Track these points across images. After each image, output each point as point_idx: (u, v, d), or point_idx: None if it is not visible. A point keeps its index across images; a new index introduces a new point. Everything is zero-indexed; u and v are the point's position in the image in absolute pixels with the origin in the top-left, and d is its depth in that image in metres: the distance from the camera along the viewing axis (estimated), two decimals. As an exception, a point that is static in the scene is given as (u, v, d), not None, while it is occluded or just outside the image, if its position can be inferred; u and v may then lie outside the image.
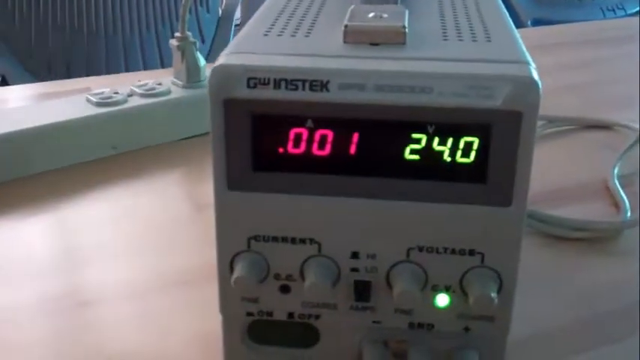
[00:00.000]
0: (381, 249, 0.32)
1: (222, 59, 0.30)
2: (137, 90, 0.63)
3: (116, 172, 0.58)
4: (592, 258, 0.46)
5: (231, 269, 0.32)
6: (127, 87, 0.64)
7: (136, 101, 0.62)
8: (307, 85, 0.29)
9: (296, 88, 0.29)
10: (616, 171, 0.56)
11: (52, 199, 0.54)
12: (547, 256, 0.47)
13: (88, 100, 0.62)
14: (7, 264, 0.46)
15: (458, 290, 0.32)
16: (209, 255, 0.42)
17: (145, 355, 0.37)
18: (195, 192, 0.56)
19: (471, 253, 0.31)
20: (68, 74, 1.49)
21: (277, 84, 0.30)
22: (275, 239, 0.32)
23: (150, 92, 0.63)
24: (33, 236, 0.49)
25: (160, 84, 0.65)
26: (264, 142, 0.31)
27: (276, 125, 0.30)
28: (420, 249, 0.31)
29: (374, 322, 0.33)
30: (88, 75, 1.20)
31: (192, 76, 0.64)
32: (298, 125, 0.30)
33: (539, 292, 0.43)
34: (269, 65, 0.30)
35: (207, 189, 0.56)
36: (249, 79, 0.30)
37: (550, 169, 0.57)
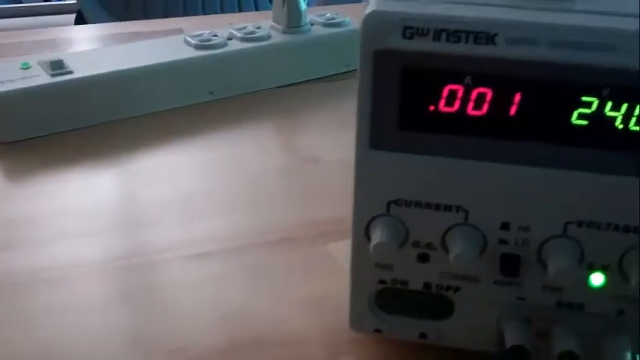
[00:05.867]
0: (535, 221, 0.29)
1: (375, 4, 0.27)
2: (236, 33, 0.61)
3: (212, 119, 0.56)
4: None
5: (367, 233, 0.30)
6: (225, 30, 0.62)
7: (235, 45, 0.60)
8: (472, 37, 0.26)
9: (458, 41, 0.27)
10: None
11: (150, 142, 0.52)
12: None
13: (186, 42, 0.60)
14: (113, 204, 0.45)
15: (616, 270, 0.29)
16: (311, 212, 0.40)
17: (255, 316, 0.36)
18: (292, 143, 0.54)
19: (636, 230, 0.28)
20: (145, 14, 1.47)
21: (437, 35, 0.27)
22: (418, 204, 0.29)
23: (249, 36, 0.61)
24: (133, 178, 0.48)
25: (259, 28, 0.62)
26: (414, 98, 0.28)
27: (430, 80, 0.28)
28: (580, 224, 0.28)
29: (518, 298, 0.30)
30: (165, 16, 1.17)
31: (292, 21, 0.62)
32: (455, 82, 0.27)
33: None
34: (430, 13, 0.27)
35: (304, 140, 0.54)
36: (405, 29, 0.27)
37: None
